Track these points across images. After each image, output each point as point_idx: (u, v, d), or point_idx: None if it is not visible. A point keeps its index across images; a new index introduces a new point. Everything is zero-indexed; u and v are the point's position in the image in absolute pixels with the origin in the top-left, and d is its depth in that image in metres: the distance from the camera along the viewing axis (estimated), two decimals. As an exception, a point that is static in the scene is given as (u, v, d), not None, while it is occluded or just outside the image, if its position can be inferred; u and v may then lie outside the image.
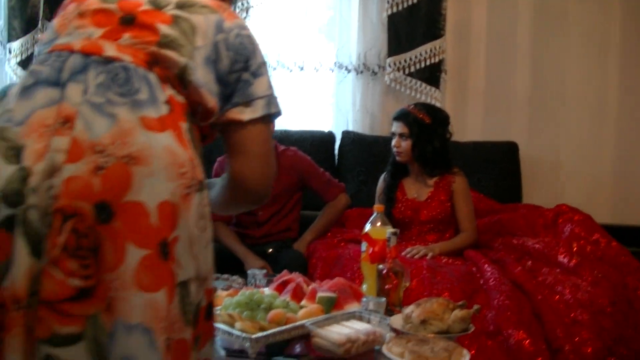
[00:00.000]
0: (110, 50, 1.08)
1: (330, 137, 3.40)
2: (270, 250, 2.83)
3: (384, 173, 2.88)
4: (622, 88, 3.40)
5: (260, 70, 1.20)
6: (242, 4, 3.43)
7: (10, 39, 3.40)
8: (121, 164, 0.99)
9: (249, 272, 2.10)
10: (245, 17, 3.46)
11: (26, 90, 1.06)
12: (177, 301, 1.03)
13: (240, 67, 1.17)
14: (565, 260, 2.38)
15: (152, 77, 1.08)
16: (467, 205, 2.74)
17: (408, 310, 1.80)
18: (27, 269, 0.97)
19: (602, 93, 3.42)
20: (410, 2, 3.36)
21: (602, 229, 2.60)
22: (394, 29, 3.39)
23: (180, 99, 1.11)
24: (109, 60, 1.07)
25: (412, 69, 3.38)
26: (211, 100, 1.14)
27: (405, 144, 2.70)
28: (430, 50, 3.37)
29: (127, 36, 1.10)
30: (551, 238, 2.61)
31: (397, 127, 2.72)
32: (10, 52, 3.40)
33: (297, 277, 1.94)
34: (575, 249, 2.44)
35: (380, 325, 1.74)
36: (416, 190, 2.79)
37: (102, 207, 0.97)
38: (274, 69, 3.52)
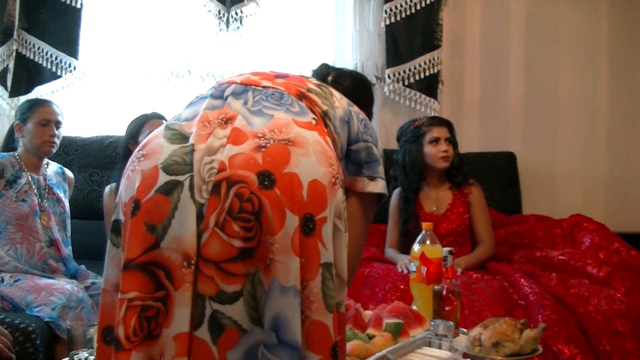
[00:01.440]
0: (266, 83, 1.32)
1: (330, 150, 3.31)
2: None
3: (397, 188, 2.82)
4: (611, 95, 3.48)
5: (380, 156, 1.42)
6: (236, 13, 3.32)
7: (-13, 50, 3.15)
8: (280, 144, 1.15)
9: None
10: (238, 28, 3.35)
11: (192, 102, 1.33)
12: (318, 280, 1.10)
13: (371, 141, 1.38)
14: (595, 271, 2.39)
15: (301, 103, 1.29)
16: (484, 216, 2.72)
17: (474, 332, 1.74)
18: (194, 230, 1.08)
19: (593, 100, 3.49)
20: (408, 13, 3.34)
21: (620, 237, 2.63)
22: (392, 40, 3.35)
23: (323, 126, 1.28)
24: (265, 88, 1.30)
25: (411, 80, 3.35)
26: (343, 148, 1.34)
27: (451, 149, 2.68)
28: (429, 61, 3.35)
29: (280, 81, 1.34)
30: (571, 249, 2.62)
31: (442, 132, 2.68)
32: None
33: (352, 302, 1.85)
34: (602, 258, 2.45)
35: (451, 351, 1.68)
36: (434, 203, 2.75)
37: (265, 175, 1.10)
38: (269, 80, 3.41)
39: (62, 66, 3.31)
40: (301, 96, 1.31)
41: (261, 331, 1.08)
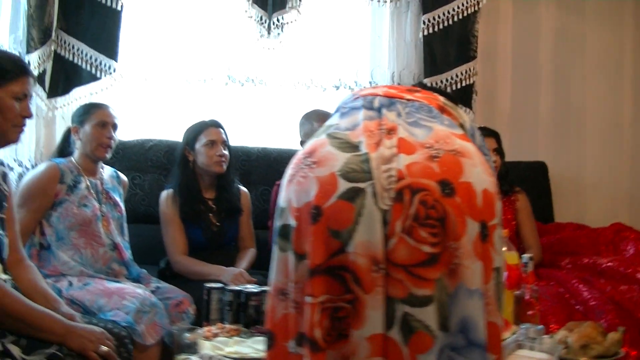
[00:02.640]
0: (409, 96, 1.39)
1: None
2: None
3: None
4: (636, 107, 3.63)
5: None
6: (278, 20, 3.34)
7: (29, 50, 3.11)
8: (450, 154, 1.22)
9: None
10: (279, 34, 3.37)
11: (345, 113, 1.38)
12: (492, 283, 1.18)
13: (487, 154, 1.45)
14: (645, 277, 2.47)
15: (446, 116, 1.37)
16: (531, 223, 2.80)
17: (560, 335, 1.81)
18: (381, 235, 1.15)
19: (618, 112, 3.63)
20: (445, 24, 3.40)
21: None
22: (429, 50, 3.42)
23: None
24: (410, 100, 1.38)
25: (448, 90, 3.41)
26: None
27: (498, 159, 2.74)
28: (465, 72, 3.42)
29: (419, 95, 1.42)
30: (614, 256, 2.71)
31: (490, 143, 2.75)
32: (29, 64, 3.11)
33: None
34: (650, 264, 2.55)
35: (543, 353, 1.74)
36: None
37: (445, 184, 1.18)
38: (308, 87, 3.45)
39: (101, 68, 3.28)
40: (442, 109, 1.39)
41: (446, 334, 1.14)
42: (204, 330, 1.84)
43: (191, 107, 3.40)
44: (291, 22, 3.38)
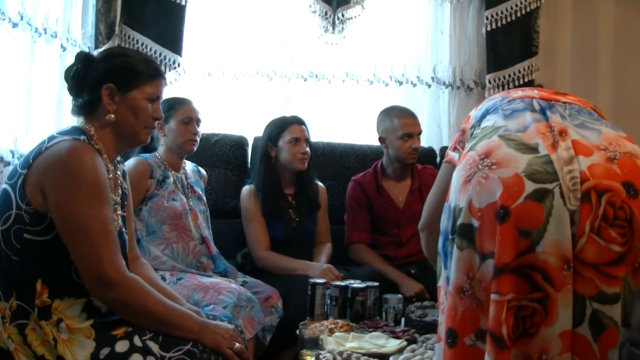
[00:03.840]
0: (563, 99, 1.44)
1: (431, 152, 3.36)
2: (413, 271, 2.76)
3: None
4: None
5: None
6: (342, 15, 3.34)
7: (97, 44, 3.10)
8: (627, 157, 1.26)
9: None
10: (343, 29, 3.37)
11: (509, 115, 1.40)
12: None
13: None
14: None
15: (603, 119, 1.41)
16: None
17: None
18: (570, 235, 1.18)
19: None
20: (508, 20, 3.40)
21: None
22: (492, 46, 3.42)
23: None
24: (565, 103, 1.42)
25: (511, 86, 3.41)
26: None
27: None
28: (528, 68, 3.42)
29: (570, 97, 1.46)
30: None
31: None
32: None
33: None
34: None
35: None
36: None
37: (629, 185, 1.22)
38: (370, 83, 3.45)
39: (165, 62, 3.27)
40: (597, 112, 1.44)
41: (627, 330, 1.19)
42: (326, 325, 1.84)
43: (253, 102, 3.40)
44: (355, 17, 3.37)
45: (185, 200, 2.46)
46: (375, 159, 3.10)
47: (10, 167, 2.39)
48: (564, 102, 1.42)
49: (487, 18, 3.41)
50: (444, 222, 1.32)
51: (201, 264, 2.43)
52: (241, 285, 2.41)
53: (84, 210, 1.51)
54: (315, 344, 1.73)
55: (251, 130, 3.23)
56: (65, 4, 2.80)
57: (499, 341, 1.17)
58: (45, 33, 2.58)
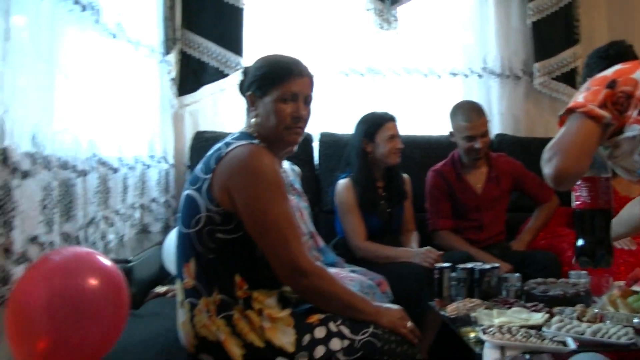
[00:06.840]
0: None
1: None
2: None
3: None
4: None
5: None
6: (396, 11, 3.45)
7: (168, 50, 3.16)
8: None
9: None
10: (395, 25, 3.48)
11: None
12: None
13: None
14: None
15: None
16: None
17: None
18: None
19: None
20: (552, 10, 3.57)
21: None
22: (537, 35, 3.58)
23: None
24: None
25: (558, 73, 3.59)
26: None
27: None
28: (573, 54, 3.60)
29: None
30: None
31: None
32: (169, 64, 3.16)
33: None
34: None
35: None
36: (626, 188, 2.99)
37: None
38: (425, 76, 3.58)
39: (228, 64, 3.34)
40: None
41: None
42: (467, 304, 1.96)
43: (318, 100, 3.47)
44: (407, 13, 3.49)
45: (291, 197, 2.54)
46: (438, 150, 3.22)
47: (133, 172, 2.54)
48: None
49: (531, 9, 3.56)
50: None
51: (312, 257, 2.51)
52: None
53: (273, 209, 1.61)
54: (467, 321, 1.85)
55: (316, 126, 3.32)
56: (143, 12, 2.87)
57: None
58: (139, 43, 2.65)
